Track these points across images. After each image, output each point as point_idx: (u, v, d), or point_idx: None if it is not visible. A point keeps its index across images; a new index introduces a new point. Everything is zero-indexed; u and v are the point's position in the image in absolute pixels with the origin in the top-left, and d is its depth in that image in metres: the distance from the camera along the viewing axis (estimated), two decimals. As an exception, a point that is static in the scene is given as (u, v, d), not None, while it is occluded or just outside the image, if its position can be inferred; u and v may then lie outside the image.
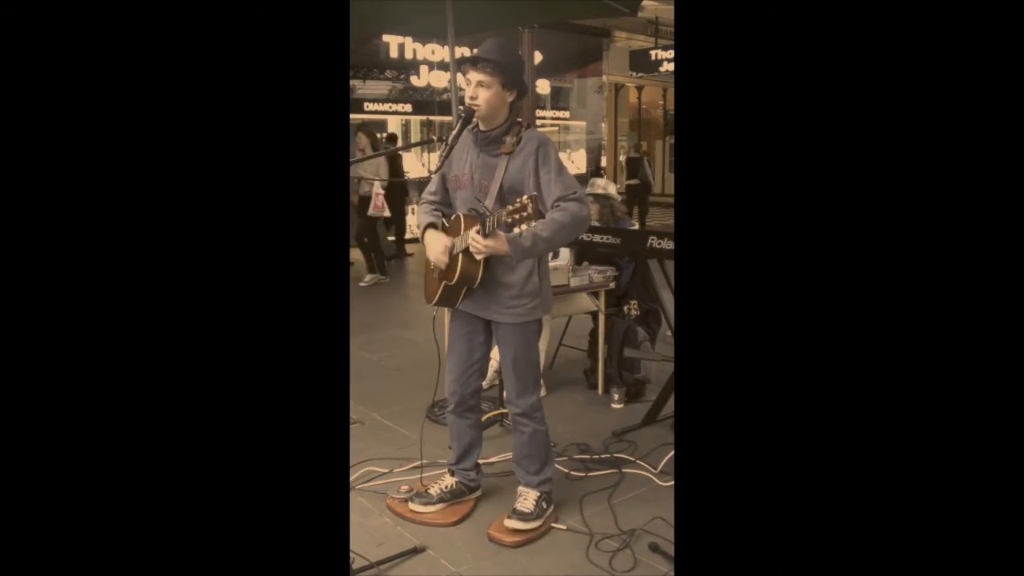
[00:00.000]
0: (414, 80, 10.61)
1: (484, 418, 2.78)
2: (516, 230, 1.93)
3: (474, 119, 2.19)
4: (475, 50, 2.21)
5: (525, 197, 1.91)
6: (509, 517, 2.32)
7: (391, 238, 8.27)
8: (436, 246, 2.25)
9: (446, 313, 3.23)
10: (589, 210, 2.15)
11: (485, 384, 2.83)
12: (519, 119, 2.23)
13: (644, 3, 6.41)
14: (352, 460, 2.78)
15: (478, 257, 2.12)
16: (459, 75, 2.44)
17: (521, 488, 2.41)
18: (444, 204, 2.38)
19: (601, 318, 3.64)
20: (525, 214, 1.89)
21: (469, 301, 2.29)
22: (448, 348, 2.45)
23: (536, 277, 2.25)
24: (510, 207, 1.94)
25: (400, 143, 10.29)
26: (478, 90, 2.14)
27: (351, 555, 2.08)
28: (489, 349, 2.44)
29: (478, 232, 2.06)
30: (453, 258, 2.20)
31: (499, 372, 3.30)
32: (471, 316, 2.33)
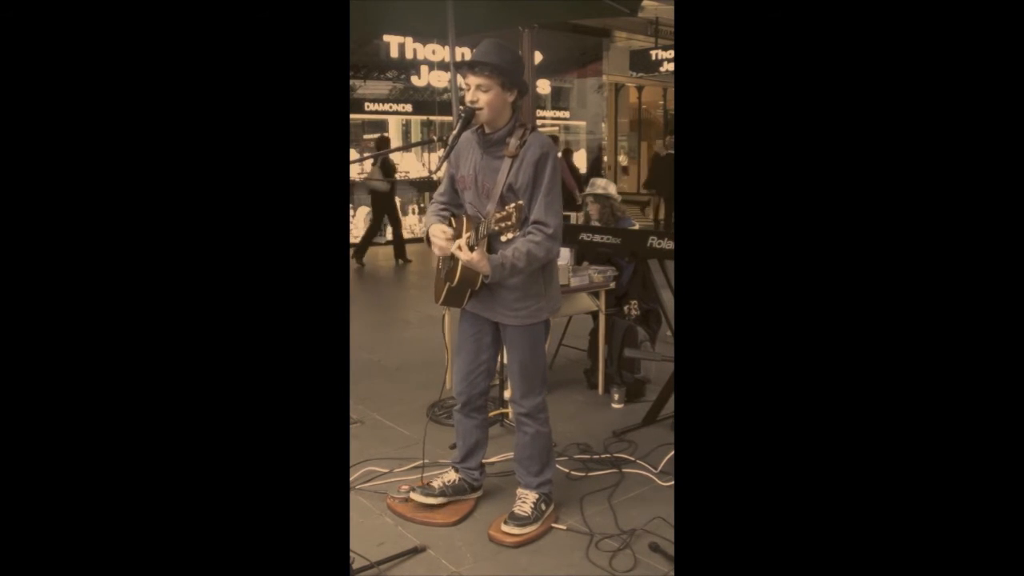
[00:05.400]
0: (414, 80, 10.61)
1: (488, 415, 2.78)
2: (503, 237, 2.02)
3: (475, 122, 2.20)
4: (473, 51, 2.21)
5: (512, 206, 1.99)
6: (506, 522, 2.32)
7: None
8: (438, 236, 2.25)
9: (448, 313, 3.23)
10: (559, 248, 2.25)
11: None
12: (523, 122, 2.23)
13: (644, 3, 6.41)
14: (352, 460, 2.79)
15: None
16: (459, 76, 2.45)
17: (520, 490, 2.41)
18: (453, 204, 2.39)
19: (601, 318, 3.64)
20: (510, 223, 1.98)
21: (475, 302, 2.30)
22: (456, 348, 2.45)
23: (541, 279, 2.26)
24: (498, 215, 2.01)
25: (393, 144, 10.31)
26: (477, 93, 2.15)
27: (351, 555, 2.09)
28: (497, 350, 2.44)
29: (469, 240, 2.10)
30: (455, 261, 2.21)
31: (500, 371, 3.30)
32: (479, 317, 2.34)
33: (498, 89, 2.15)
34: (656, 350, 3.72)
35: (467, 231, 2.15)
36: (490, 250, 2.16)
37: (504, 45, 2.20)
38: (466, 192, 2.29)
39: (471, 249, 2.09)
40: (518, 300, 2.24)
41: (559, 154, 8.46)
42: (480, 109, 2.15)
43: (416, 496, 2.47)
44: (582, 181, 8.93)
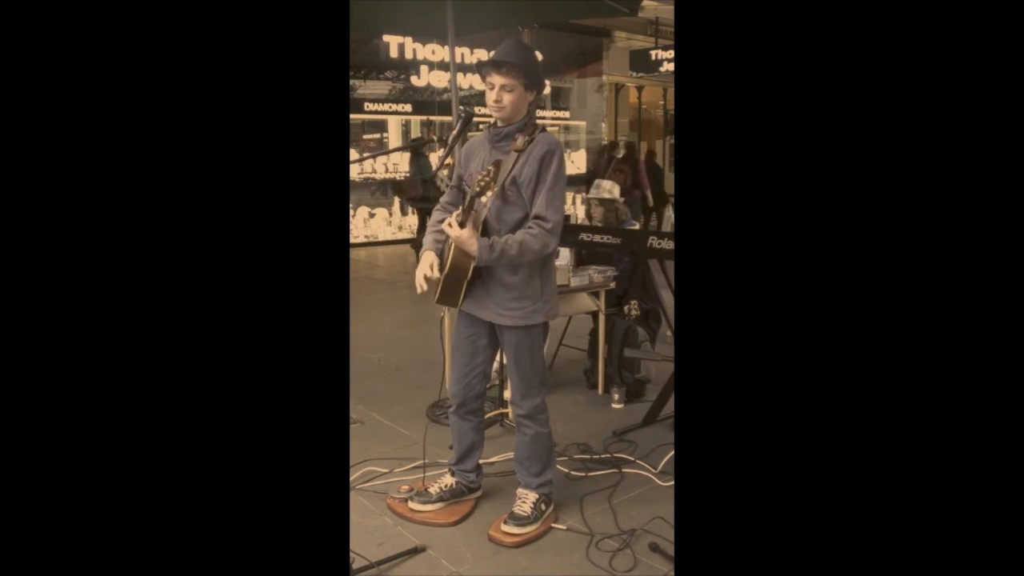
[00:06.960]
0: (414, 80, 10.61)
1: (484, 417, 2.78)
2: (483, 198, 2.06)
3: (496, 121, 2.22)
4: (491, 53, 2.22)
5: (491, 165, 2.05)
6: (506, 522, 2.32)
7: None
8: (421, 267, 2.27)
9: (447, 314, 3.23)
10: (556, 244, 2.22)
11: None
12: (535, 121, 2.25)
13: (644, 3, 6.41)
14: (352, 460, 2.79)
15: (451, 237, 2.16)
16: (459, 75, 2.46)
17: (520, 490, 2.41)
18: (456, 205, 2.39)
19: (601, 318, 3.64)
20: (488, 179, 2.03)
21: (471, 301, 2.29)
22: (452, 350, 2.45)
23: (538, 280, 2.25)
24: (479, 175, 2.06)
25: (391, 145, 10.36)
26: (502, 94, 2.16)
27: (351, 555, 2.09)
28: (494, 353, 2.43)
29: (458, 216, 2.12)
30: (447, 247, 2.22)
31: (499, 372, 3.30)
32: (475, 319, 2.33)
33: (521, 89, 2.16)
34: (656, 350, 3.72)
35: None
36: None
37: (524, 44, 2.22)
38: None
39: (461, 227, 2.10)
40: (513, 300, 2.23)
41: (641, 158, 8.73)
42: (503, 108, 2.16)
43: (414, 504, 2.46)
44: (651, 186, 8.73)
